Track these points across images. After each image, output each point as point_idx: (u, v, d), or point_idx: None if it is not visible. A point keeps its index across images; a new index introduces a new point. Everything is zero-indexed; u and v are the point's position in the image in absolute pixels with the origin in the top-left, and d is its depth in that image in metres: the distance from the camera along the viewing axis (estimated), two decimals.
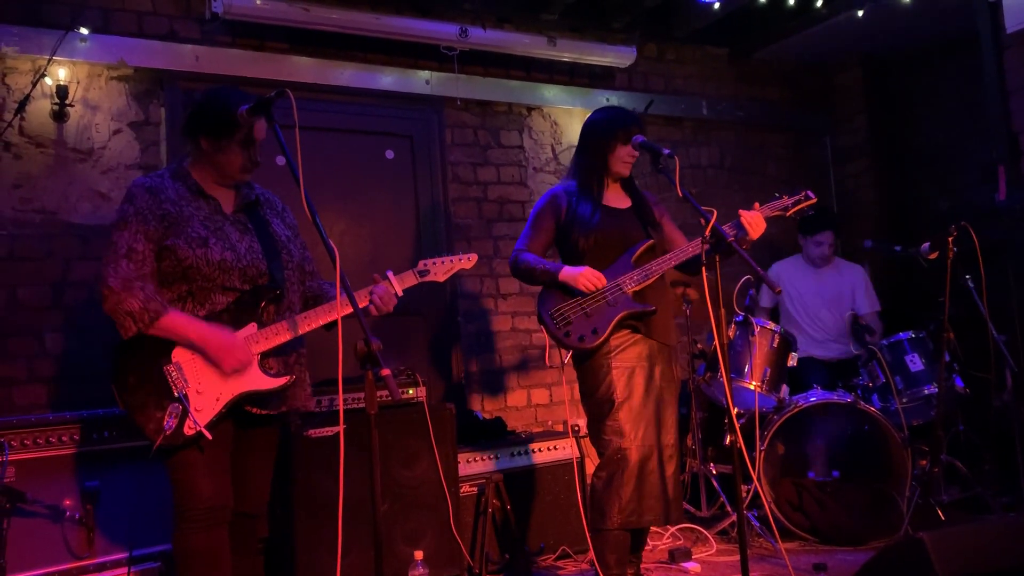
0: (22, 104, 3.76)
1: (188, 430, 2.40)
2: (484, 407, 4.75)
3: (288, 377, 2.57)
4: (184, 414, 2.40)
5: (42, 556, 3.04)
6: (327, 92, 4.52)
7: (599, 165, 3.23)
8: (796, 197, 3.10)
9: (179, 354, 2.45)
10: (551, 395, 4.96)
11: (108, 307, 2.42)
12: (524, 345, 4.94)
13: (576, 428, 4.00)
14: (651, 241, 3.16)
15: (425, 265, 2.78)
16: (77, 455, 3.17)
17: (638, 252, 3.12)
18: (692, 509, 4.38)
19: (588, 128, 3.30)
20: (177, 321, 2.44)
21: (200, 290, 2.50)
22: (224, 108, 2.54)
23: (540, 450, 4.00)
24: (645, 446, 3.02)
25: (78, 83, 3.92)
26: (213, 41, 4.24)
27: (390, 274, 2.70)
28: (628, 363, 3.07)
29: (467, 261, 2.86)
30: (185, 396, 2.42)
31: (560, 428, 4.41)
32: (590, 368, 3.11)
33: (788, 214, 3.11)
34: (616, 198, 3.28)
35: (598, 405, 3.08)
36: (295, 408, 2.67)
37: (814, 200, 3.10)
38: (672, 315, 3.27)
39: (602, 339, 3.03)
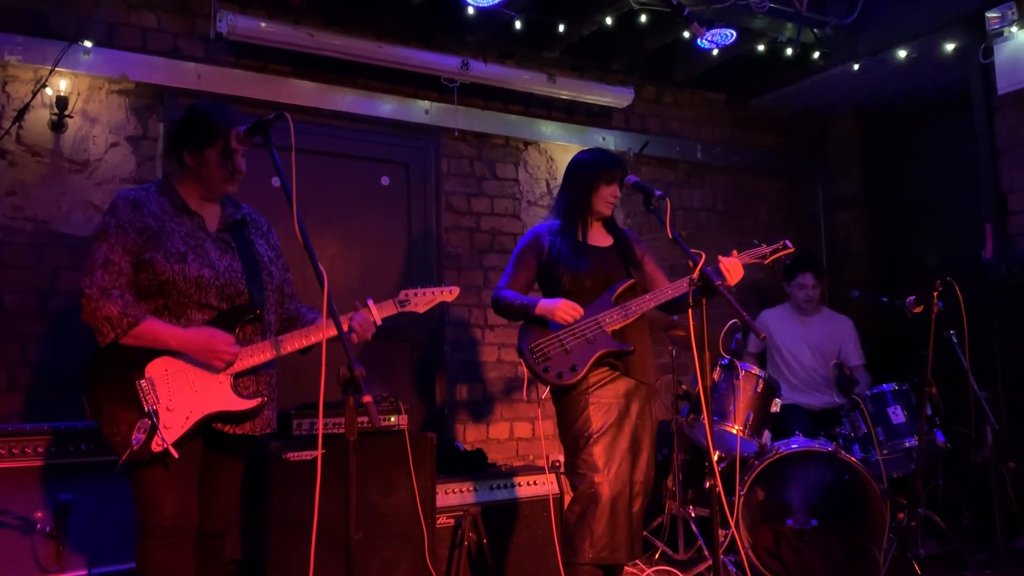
0: (21, 112, 3.78)
1: (156, 446, 2.38)
2: (466, 438, 4.73)
3: (261, 399, 2.55)
4: (153, 430, 2.38)
5: (9, 568, 3.00)
6: (327, 117, 4.55)
7: (582, 205, 3.26)
8: (774, 246, 3.17)
9: (152, 369, 2.44)
10: (534, 429, 4.95)
11: (86, 315, 2.42)
12: (509, 377, 4.94)
13: (557, 464, 3.99)
14: (632, 280, 3.19)
15: (406, 295, 2.78)
16: (51, 467, 3.13)
17: (619, 291, 3.15)
18: (669, 551, 4.36)
19: (572, 168, 3.34)
20: (155, 328, 2.43)
21: (176, 305, 2.49)
22: (204, 120, 2.57)
23: (520, 484, 3.98)
24: (618, 482, 3.03)
25: (78, 95, 3.94)
26: (216, 60, 4.27)
27: (370, 302, 2.69)
28: (605, 400, 3.08)
29: (448, 294, 2.85)
30: (155, 412, 2.40)
31: (541, 463, 4.40)
32: (568, 403, 3.12)
33: (766, 262, 3.19)
34: (598, 237, 3.31)
35: (574, 440, 3.09)
36: (266, 430, 2.65)
37: (791, 250, 3.18)
38: (651, 354, 3.29)
39: (580, 376, 3.05)
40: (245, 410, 2.52)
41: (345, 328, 2.60)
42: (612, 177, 3.23)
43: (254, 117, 2.53)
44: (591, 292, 3.15)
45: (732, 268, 3.04)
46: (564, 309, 3.06)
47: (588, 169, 3.27)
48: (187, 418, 2.43)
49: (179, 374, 2.45)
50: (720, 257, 3.06)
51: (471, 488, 3.86)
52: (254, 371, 2.56)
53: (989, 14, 4.55)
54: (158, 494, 2.42)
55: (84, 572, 3.10)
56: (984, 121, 4.75)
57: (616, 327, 3.10)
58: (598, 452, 3.03)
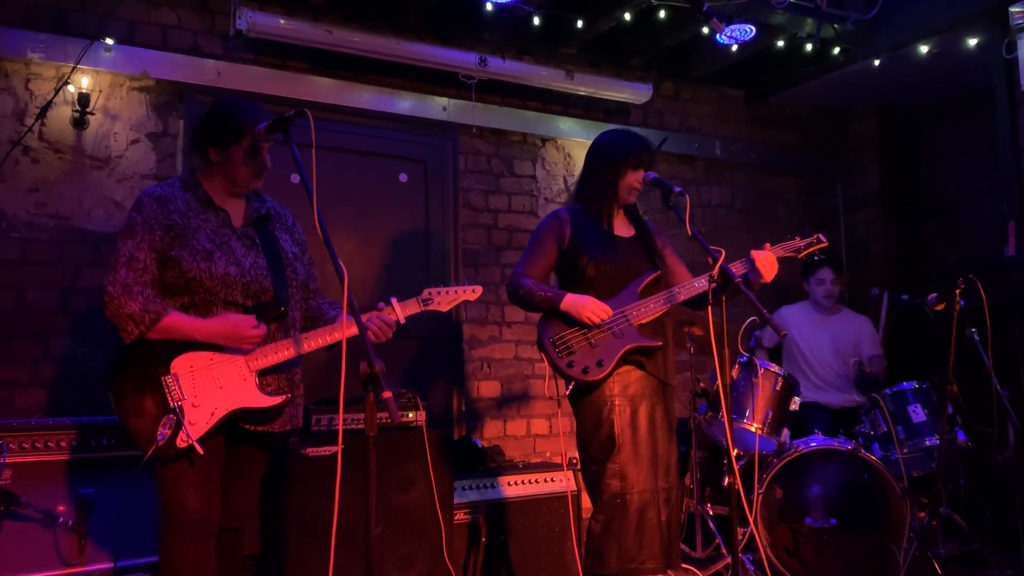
0: (44, 110, 3.81)
1: (180, 442, 2.39)
2: (483, 434, 4.74)
3: (285, 396, 2.56)
4: (178, 426, 2.39)
5: (32, 561, 3.03)
6: (345, 113, 4.57)
7: (608, 190, 3.08)
8: (808, 240, 3.06)
9: (178, 365, 2.45)
10: (551, 426, 4.95)
11: (109, 312, 2.43)
12: (526, 374, 4.93)
13: (574, 461, 3.98)
14: (657, 272, 3.05)
15: (429, 294, 2.76)
16: (74, 461, 3.16)
17: (644, 283, 3.01)
18: (687, 549, 4.34)
19: (597, 150, 3.16)
20: (179, 321, 2.44)
21: (202, 303, 2.50)
22: (229, 117, 2.58)
23: (537, 481, 3.97)
24: (646, 490, 2.88)
25: (100, 92, 3.97)
26: (235, 57, 4.29)
27: (394, 301, 2.69)
28: (630, 401, 2.93)
29: (471, 293, 2.82)
30: (180, 408, 2.41)
31: (558, 460, 4.39)
32: (590, 404, 2.95)
33: (800, 256, 3.06)
34: (621, 226, 3.15)
35: (597, 447, 2.93)
36: (288, 426, 2.65)
37: (825, 244, 3.08)
38: (673, 353, 3.15)
39: (607, 372, 2.89)
40: (269, 407, 2.52)
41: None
42: (639, 162, 3.03)
43: (274, 114, 2.54)
44: (617, 284, 3.00)
45: (767, 263, 2.88)
46: (592, 309, 2.90)
47: (614, 152, 3.06)
48: (212, 414, 2.44)
49: (204, 370, 2.46)
50: (753, 252, 2.92)
51: (488, 484, 3.86)
52: (278, 368, 2.57)
53: (1013, 8, 4.49)
54: (182, 490, 2.43)
55: (106, 566, 3.13)
56: (1007, 117, 4.69)
57: (644, 320, 2.96)
58: (625, 459, 2.88)
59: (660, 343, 2.98)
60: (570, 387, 2.99)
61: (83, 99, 3.88)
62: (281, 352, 2.54)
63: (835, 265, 4.95)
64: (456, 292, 2.80)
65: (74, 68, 3.84)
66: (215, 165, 2.61)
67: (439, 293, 2.77)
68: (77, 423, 3.20)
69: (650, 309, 2.98)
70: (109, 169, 3.98)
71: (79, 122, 3.91)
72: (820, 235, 3.08)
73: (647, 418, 2.95)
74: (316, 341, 2.58)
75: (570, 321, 2.96)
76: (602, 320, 2.92)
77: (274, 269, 2.60)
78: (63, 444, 3.15)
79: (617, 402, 2.92)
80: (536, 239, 3.14)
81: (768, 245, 2.98)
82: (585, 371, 2.91)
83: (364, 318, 2.59)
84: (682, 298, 3.00)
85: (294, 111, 2.42)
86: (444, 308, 2.79)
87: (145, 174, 4.04)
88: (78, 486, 3.14)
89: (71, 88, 3.88)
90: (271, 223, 2.72)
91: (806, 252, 3.06)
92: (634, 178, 3.06)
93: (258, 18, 4.13)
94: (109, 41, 3.93)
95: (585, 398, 2.98)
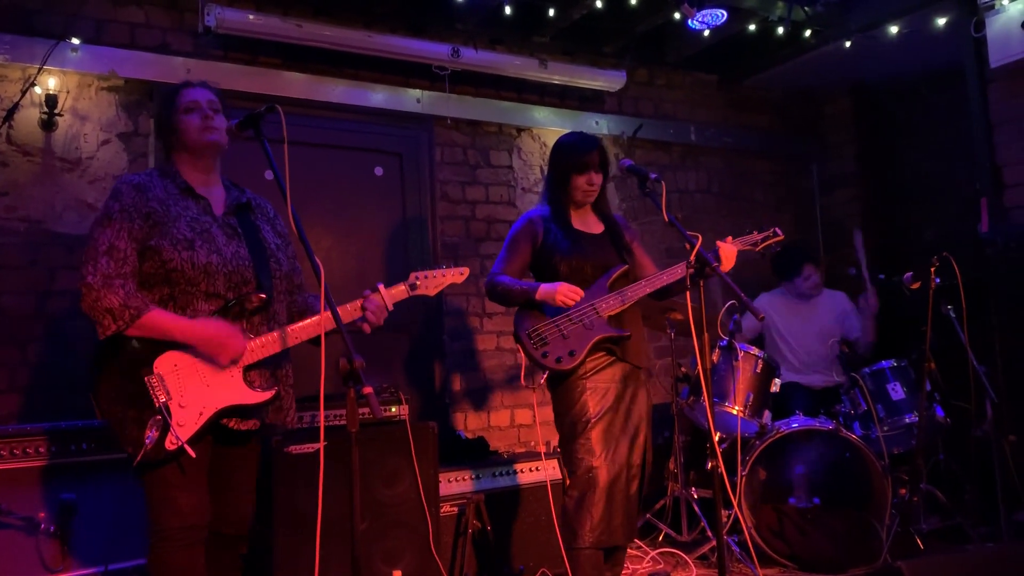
0: (10, 112, 3.76)
1: (170, 445, 2.32)
2: (467, 426, 4.74)
3: (272, 392, 2.50)
4: (165, 428, 2.32)
5: (14, 569, 2.99)
6: (318, 108, 4.53)
7: (562, 193, 3.28)
8: (765, 233, 3.21)
9: (161, 364, 2.36)
10: (534, 415, 4.95)
11: (86, 305, 2.34)
12: (508, 365, 4.94)
13: (557, 450, 3.99)
14: (625, 267, 3.21)
15: (416, 278, 2.75)
16: (53, 467, 3.13)
17: (613, 277, 3.17)
18: (673, 533, 4.37)
19: (552, 155, 3.36)
20: (160, 319, 2.36)
21: (182, 294, 2.42)
22: (166, 95, 2.65)
23: (522, 471, 3.98)
24: (616, 466, 3.04)
25: (68, 93, 3.92)
26: (205, 54, 4.25)
27: (381, 287, 2.67)
28: (602, 384, 3.10)
29: (459, 275, 2.83)
30: (167, 409, 2.33)
31: (542, 449, 4.40)
32: (565, 389, 3.13)
33: (757, 249, 3.21)
34: (590, 223, 3.32)
35: (571, 425, 3.10)
36: (276, 424, 2.59)
37: (781, 237, 3.22)
38: (645, 338, 3.32)
39: (578, 360, 3.06)
40: (259, 403, 2.47)
41: (357, 315, 2.60)
42: (584, 166, 3.22)
43: (245, 111, 2.52)
44: (590, 279, 3.17)
45: (728, 254, 3.08)
46: (564, 292, 3.07)
47: (562, 158, 3.27)
48: (200, 414, 2.37)
49: (189, 368, 2.38)
50: (719, 243, 3.09)
51: (474, 476, 3.86)
52: (264, 363, 2.51)
53: None
54: (171, 495, 2.36)
55: (91, 570, 3.10)
56: (977, 95, 4.73)
57: (612, 312, 3.13)
58: (596, 437, 3.04)
59: (628, 333, 3.15)
60: (545, 375, 3.17)
61: (51, 100, 3.83)
62: (266, 347, 2.49)
63: (815, 259, 5.02)
64: (443, 275, 2.80)
65: (40, 69, 3.79)
66: (176, 144, 2.59)
67: (426, 277, 2.76)
68: (55, 428, 3.16)
69: (618, 302, 3.14)
70: (80, 171, 3.93)
71: (47, 124, 3.86)
72: (776, 229, 3.23)
73: (616, 398, 3.12)
74: (299, 335, 2.54)
75: (545, 312, 3.14)
76: (576, 303, 3.09)
77: (257, 259, 2.55)
78: (41, 450, 3.11)
79: (588, 384, 3.10)
80: (511, 241, 3.32)
81: (730, 238, 3.16)
82: (559, 360, 3.08)
83: (355, 305, 2.60)
84: (648, 290, 3.17)
85: (265, 107, 2.41)
86: (432, 292, 2.79)
87: (117, 175, 3.99)
88: (58, 491, 3.10)
89: (38, 90, 3.83)
90: (252, 213, 2.68)
91: (763, 246, 3.21)
92: (583, 180, 3.25)
93: (227, 14, 4.09)
94: (75, 41, 3.88)
95: (561, 383, 3.15)
